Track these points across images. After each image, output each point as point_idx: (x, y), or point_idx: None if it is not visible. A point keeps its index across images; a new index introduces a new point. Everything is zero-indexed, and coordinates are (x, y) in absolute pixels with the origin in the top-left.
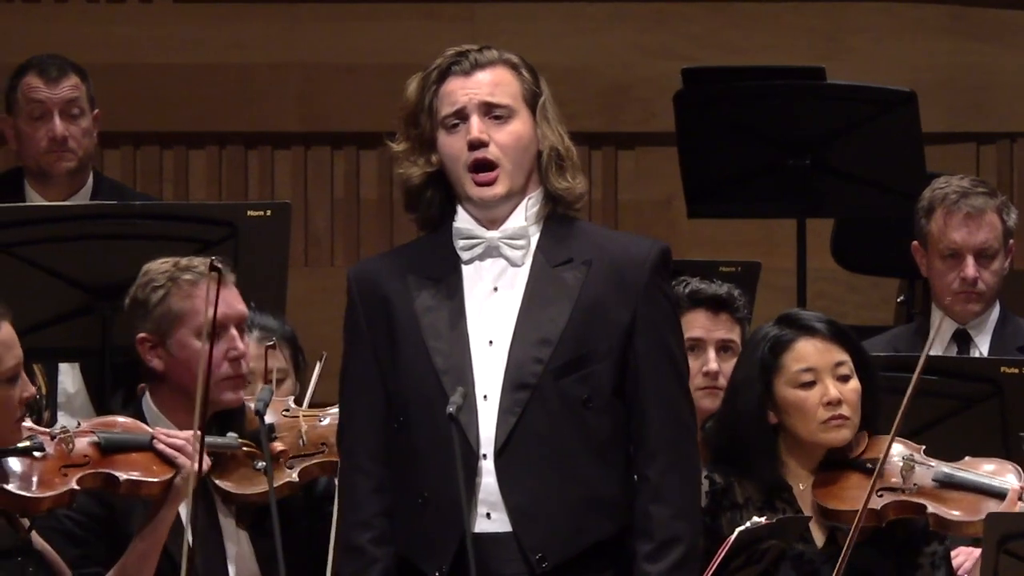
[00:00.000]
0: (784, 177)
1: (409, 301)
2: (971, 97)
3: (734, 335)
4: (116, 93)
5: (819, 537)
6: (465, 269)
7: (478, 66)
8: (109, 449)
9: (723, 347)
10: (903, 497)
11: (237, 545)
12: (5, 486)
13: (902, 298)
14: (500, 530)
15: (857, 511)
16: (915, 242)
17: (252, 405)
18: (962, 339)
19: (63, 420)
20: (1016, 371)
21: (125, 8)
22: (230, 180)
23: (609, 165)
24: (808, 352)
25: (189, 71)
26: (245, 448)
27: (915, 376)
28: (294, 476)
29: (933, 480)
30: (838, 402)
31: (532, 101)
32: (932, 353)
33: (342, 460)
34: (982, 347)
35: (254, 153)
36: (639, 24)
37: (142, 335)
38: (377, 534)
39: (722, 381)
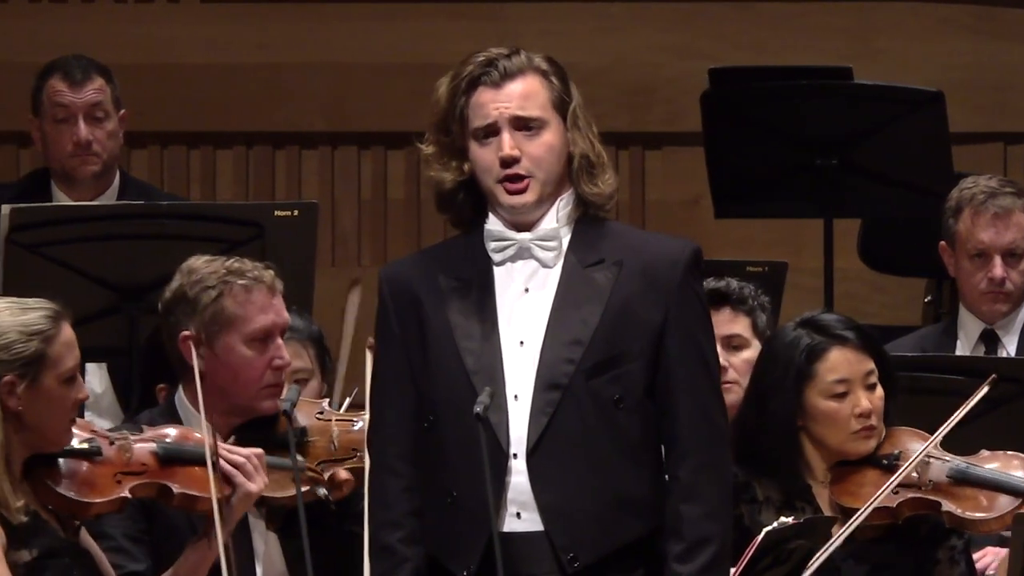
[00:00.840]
0: (811, 177)
1: (440, 302)
2: (998, 97)
3: (738, 328)
4: (143, 93)
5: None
6: (496, 270)
7: (507, 76)
8: (168, 460)
9: (727, 343)
10: (918, 494)
11: (265, 545)
12: (57, 487)
13: (929, 298)
14: (531, 529)
15: (874, 509)
16: (942, 242)
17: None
18: (989, 339)
19: (90, 419)
20: None
21: (152, 8)
22: (257, 180)
23: (636, 165)
24: (841, 363)
25: (216, 71)
26: (309, 472)
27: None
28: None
29: (948, 476)
30: (869, 414)
31: (562, 107)
32: (959, 353)
33: (372, 460)
34: (1009, 347)
35: (281, 153)
36: (666, 24)
37: (186, 333)
38: (407, 533)
39: (731, 375)
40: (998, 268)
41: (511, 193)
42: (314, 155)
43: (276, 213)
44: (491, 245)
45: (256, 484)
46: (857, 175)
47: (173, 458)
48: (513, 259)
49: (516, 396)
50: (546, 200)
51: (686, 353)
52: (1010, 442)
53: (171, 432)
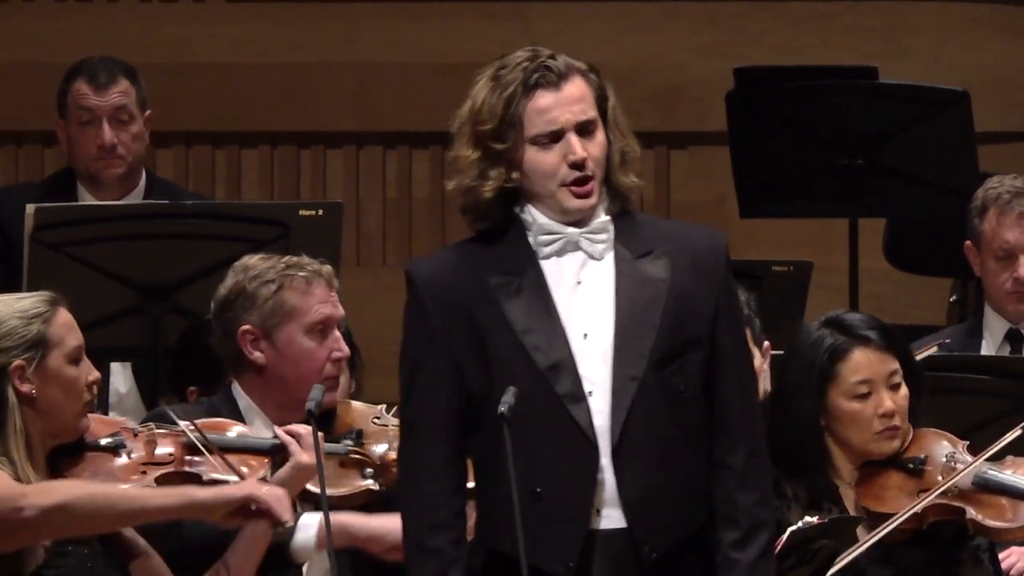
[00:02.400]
0: (837, 177)
1: (490, 299)
2: None
3: None
4: (168, 93)
5: (863, 536)
6: (544, 264)
7: (562, 77)
8: (194, 450)
9: None
10: (944, 500)
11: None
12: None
13: (955, 298)
14: (613, 527)
15: (897, 513)
16: (968, 242)
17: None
18: (1015, 339)
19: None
20: None
21: (178, 8)
22: (282, 180)
23: (662, 164)
24: (864, 364)
25: (241, 70)
26: (354, 455)
27: None
28: (373, 485)
29: (972, 484)
30: (892, 414)
31: (603, 105)
32: (984, 353)
33: (410, 462)
34: None
35: (306, 152)
36: (692, 24)
37: (246, 327)
38: (456, 535)
39: None
40: (1023, 268)
41: (579, 197)
42: (339, 154)
43: (301, 213)
44: (539, 238)
45: (309, 456)
46: (883, 175)
47: (198, 449)
48: (560, 253)
49: (591, 392)
50: (600, 200)
51: (734, 340)
52: None
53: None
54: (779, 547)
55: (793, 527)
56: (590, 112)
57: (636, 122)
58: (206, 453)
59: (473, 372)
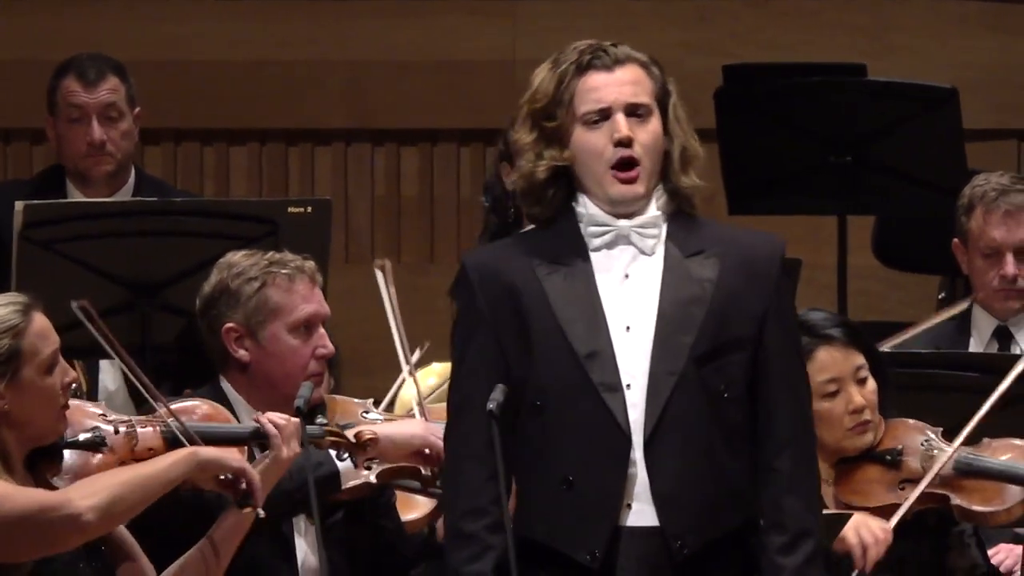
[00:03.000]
0: (826, 174)
1: (538, 286)
2: (1013, 94)
3: None
4: (158, 90)
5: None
6: (593, 256)
7: (617, 62)
8: (175, 442)
9: None
10: (927, 488)
11: (304, 535)
12: (56, 482)
13: (943, 295)
14: (644, 524)
15: (876, 507)
16: (956, 240)
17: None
18: (1002, 336)
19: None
20: None
21: (168, 5)
22: (271, 177)
23: None
24: (829, 362)
25: (231, 67)
26: (331, 438)
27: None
28: (372, 478)
29: (954, 469)
30: (862, 409)
31: (663, 100)
32: (972, 350)
33: (455, 446)
34: (1023, 343)
35: (295, 150)
36: (681, 21)
37: (230, 325)
38: (491, 521)
39: None
40: (1010, 265)
41: (623, 183)
42: (328, 152)
43: (290, 210)
44: (589, 230)
45: (287, 450)
46: (872, 172)
47: (180, 441)
48: (610, 245)
49: (629, 385)
50: (649, 192)
51: (785, 344)
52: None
53: (198, 407)
54: None
55: None
56: (642, 97)
57: None
58: (186, 443)
59: (515, 356)
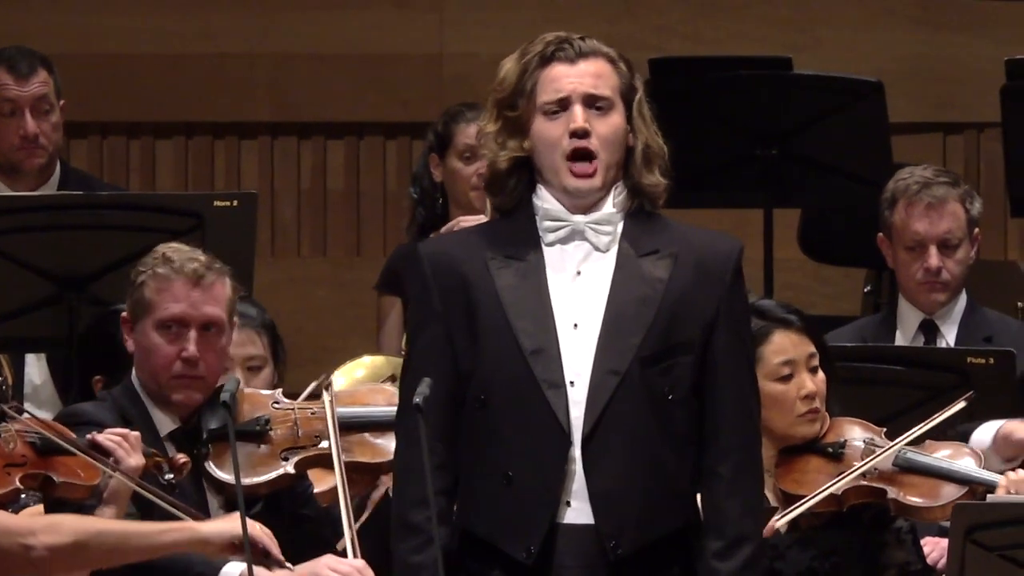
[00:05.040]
0: (751, 167)
1: (489, 279)
2: (939, 88)
3: None
4: (83, 83)
5: (782, 522)
6: (547, 251)
7: (581, 55)
8: (45, 450)
9: None
10: (864, 482)
11: None
12: None
13: (869, 288)
14: (581, 522)
15: (818, 496)
16: (880, 234)
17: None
18: (929, 329)
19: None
20: (983, 361)
21: None
22: (197, 170)
23: None
24: (786, 345)
25: (157, 61)
26: (154, 459)
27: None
28: (290, 468)
29: (894, 465)
30: (814, 396)
31: (628, 96)
32: (898, 343)
33: (403, 436)
34: (949, 337)
35: (221, 143)
36: (608, 14)
37: (124, 314)
38: (436, 512)
39: None
40: (934, 258)
41: (578, 176)
42: (254, 145)
43: (216, 203)
44: (544, 224)
45: (134, 460)
46: (797, 165)
47: (50, 448)
48: (564, 241)
49: (572, 382)
50: (607, 186)
51: (733, 349)
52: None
53: (50, 421)
54: None
55: None
56: (603, 90)
57: None
58: (57, 454)
59: (463, 349)
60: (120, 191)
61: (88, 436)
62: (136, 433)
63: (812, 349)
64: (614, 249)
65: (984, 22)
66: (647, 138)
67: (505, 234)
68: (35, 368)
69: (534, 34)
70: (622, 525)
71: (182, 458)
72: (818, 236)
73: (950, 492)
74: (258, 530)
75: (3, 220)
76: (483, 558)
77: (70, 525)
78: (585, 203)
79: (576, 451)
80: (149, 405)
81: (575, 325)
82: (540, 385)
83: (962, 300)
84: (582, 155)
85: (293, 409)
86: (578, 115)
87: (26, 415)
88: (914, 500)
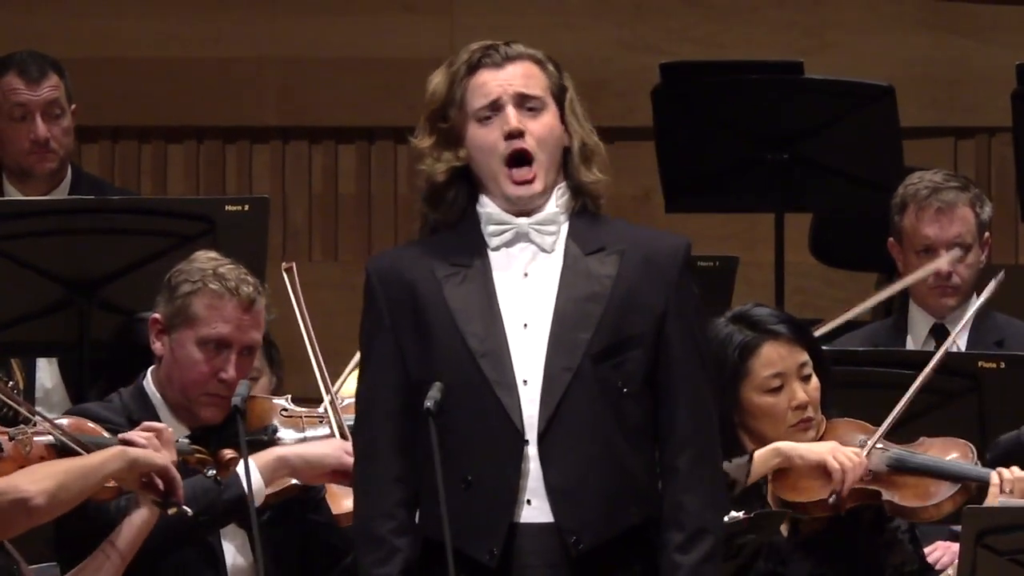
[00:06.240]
0: (762, 171)
1: (436, 287)
2: (949, 91)
3: None
4: (95, 87)
5: (784, 528)
6: (493, 255)
7: (508, 59)
8: (64, 452)
9: None
10: (859, 485)
11: (233, 539)
12: None
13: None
14: (541, 520)
15: (814, 501)
16: (891, 239)
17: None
18: (939, 333)
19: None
20: (994, 365)
21: (103, 2)
22: (208, 174)
23: None
24: (775, 357)
25: (168, 65)
26: (197, 455)
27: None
28: (297, 480)
29: (887, 466)
30: (805, 405)
31: (559, 96)
32: (909, 348)
33: (361, 449)
34: (959, 341)
35: (232, 147)
36: (618, 18)
37: (156, 316)
38: (398, 524)
39: None
40: (944, 263)
41: (518, 183)
42: (265, 149)
43: (227, 208)
44: (488, 229)
45: (166, 456)
46: (808, 169)
47: (69, 450)
48: (510, 244)
49: (525, 381)
50: (548, 189)
51: (685, 342)
52: (962, 436)
53: (64, 422)
54: None
55: None
56: (534, 89)
57: None
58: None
59: (414, 358)
60: (131, 195)
61: (120, 436)
62: (170, 429)
63: (804, 357)
64: (560, 249)
65: (995, 26)
66: (583, 136)
67: (451, 243)
68: (46, 372)
69: (543, 38)
70: (582, 521)
71: (229, 453)
72: (829, 240)
73: (942, 490)
74: (162, 462)
75: (15, 224)
76: (446, 563)
77: (41, 471)
78: (528, 206)
79: (532, 449)
80: (162, 410)
81: (525, 325)
82: (492, 386)
83: (972, 304)
84: (520, 158)
85: (301, 418)
86: (511, 116)
87: (38, 418)
88: (909, 501)
